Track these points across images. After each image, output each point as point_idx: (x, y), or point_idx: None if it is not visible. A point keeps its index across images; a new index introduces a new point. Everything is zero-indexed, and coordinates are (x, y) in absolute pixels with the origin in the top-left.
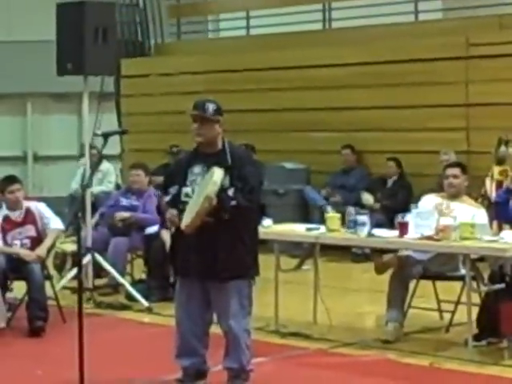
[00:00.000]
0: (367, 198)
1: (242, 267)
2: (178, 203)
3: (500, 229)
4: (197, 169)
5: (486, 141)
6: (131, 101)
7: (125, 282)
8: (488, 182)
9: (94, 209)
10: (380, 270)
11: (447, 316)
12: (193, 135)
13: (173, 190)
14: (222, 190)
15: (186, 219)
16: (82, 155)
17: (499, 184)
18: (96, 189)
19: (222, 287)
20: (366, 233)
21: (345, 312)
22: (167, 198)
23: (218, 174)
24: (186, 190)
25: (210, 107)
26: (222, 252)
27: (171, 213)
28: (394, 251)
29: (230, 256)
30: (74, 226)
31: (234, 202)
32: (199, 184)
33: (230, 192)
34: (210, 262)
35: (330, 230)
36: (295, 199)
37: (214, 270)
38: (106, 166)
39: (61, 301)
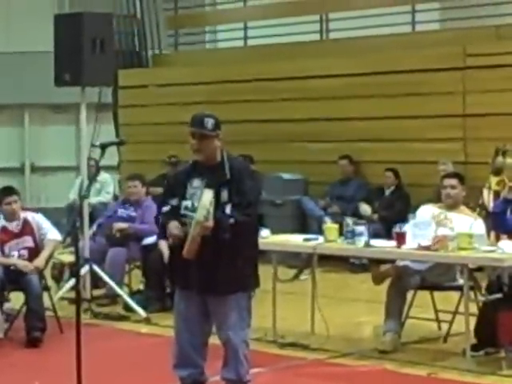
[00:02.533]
0: (365, 209)
1: (242, 281)
2: (178, 216)
3: (497, 239)
4: (196, 182)
5: (484, 151)
6: (129, 111)
7: (122, 292)
8: (485, 192)
9: (92, 219)
10: (378, 281)
11: (445, 326)
12: (191, 150)
13: (173, 201)
14: (220, 207)
15: (186, 246)
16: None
17: (497, 194)
18: (94, 199)
19: (221, 300)
20: (364, 243)
21: (342, 322)
22: (165, 209)
23: (206, 197)
24: (186, 203)
25: (209, 123)
26: (222, 267)
27: (173, 225)
28: (392, 261)
29: (230, 271)
30: (71, 237)
31: (232, 220)
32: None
33: (228, 209)
34: (209, 277)
35: (328, 240)
36: (293, 210)
37: (213, 285)
38: (103, 176)
39: (58, 311)
